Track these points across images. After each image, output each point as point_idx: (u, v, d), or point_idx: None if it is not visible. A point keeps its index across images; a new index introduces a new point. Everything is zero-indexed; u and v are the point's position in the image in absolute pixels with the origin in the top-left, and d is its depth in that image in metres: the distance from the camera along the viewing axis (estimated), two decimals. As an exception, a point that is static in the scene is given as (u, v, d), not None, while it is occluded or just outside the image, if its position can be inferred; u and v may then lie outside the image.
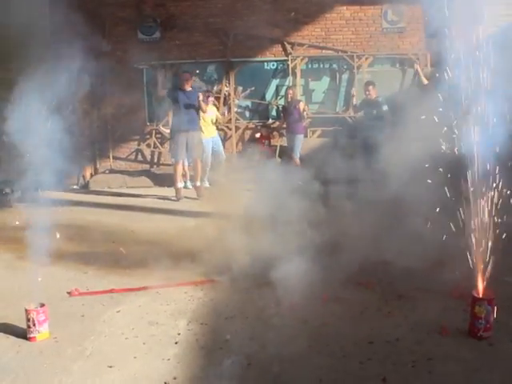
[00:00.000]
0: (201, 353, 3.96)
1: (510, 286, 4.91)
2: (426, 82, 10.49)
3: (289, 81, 12.35)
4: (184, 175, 10.58)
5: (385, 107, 10.23)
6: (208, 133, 10.78)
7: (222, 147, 11.21)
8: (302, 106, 11.12)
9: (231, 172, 9.88)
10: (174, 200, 9.68)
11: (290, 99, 11.23)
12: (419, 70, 11.02)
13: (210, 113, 10.85)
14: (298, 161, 10.75)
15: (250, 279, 5.09)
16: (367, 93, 10.45)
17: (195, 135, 9.71)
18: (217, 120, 11.16)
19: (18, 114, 4.71)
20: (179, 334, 4.26)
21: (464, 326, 4.13)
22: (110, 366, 3.79)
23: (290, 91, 11.34)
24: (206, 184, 10.88)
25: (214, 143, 10.94)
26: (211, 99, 11.14)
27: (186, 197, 9.80)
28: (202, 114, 10.49)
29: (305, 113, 11.20)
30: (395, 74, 12.10)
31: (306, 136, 11.63)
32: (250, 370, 3.66)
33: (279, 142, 12.16)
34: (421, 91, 10.08)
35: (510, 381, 3.53)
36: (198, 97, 9.55)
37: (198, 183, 9.88)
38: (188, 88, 9.69)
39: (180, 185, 9.82)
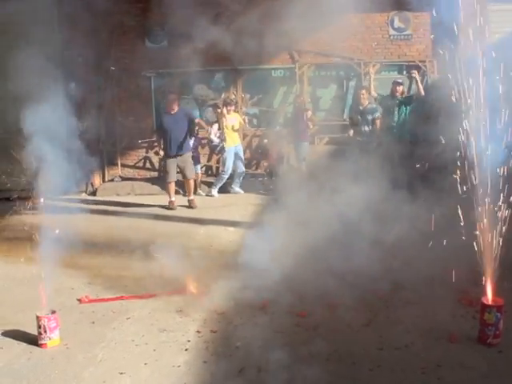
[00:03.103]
0: (211, 360, 3.98)
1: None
2: (422, 92, 10.23)
3: (296, 88, 12.37)
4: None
5: (377, 114, 10.27)
6: (231, 141, 10.83)
7: (243, 157, 11.20)
8: (309, 114, 11.17)
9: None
10: (170, 209, 9.71)
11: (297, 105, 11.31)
12: (417, 77, 10.51)
13: (233, 120, 10.89)
14: (303, 168, 10.79)
15: (259, 287, 5.08)
16: (362, 96, 10.48)
17: (185, 158, 9.74)
18: (240, 125, 11.18)
19: (28, 122, 4.78)
20: (189, 341, 4.28)
21: (473, 332, 4.14)
22: (121, 373, 3.82)
23: (299, 99, 11.41)
24: (215, 193, 10.87)
25: (238, 151, 10.99)
26: (231, 108, 11.15)
27: (180, 205, 9.83)
28: (224, 121, 10.58)
29: (309, 122, 11.21)
30: (402, 81, 12.10)
31: (311, 143, 11.68)
32: (261, 376, 3.67)
33: (287, 149, 12.16)
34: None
35: (519, 388, 3.54)
36: (194, 120, 9.78)
37: (192, 197, 9.91)
38: (175, 110, 9.66)
39: (173, 198, 9.85)
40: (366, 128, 10.20)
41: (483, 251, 4.10)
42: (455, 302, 4.79)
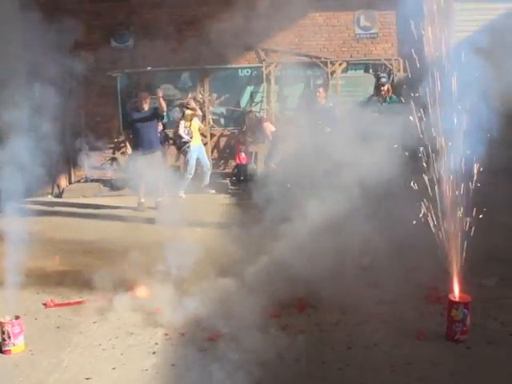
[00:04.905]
0: (179, 363, 3.93)
1: (485, 288, 4.96)
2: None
3: (263, 87, 12.38)
4: None
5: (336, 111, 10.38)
6: (196, 140, 10.84)
7: (206, 156, 11.18)
8: (267, 126, 11.34)
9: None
10: (137, 210, 9.56)
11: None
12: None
13: (196, 121, 10.96)
14: (273, 166, 10.78)
15: (228, 288, 5.04)
16: (318, 94, 10.59)
17: (155, 156, 9.59)
18: (199, 128, 11.24)
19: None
20: (157, 344, 4.23)
21: (441, 329, 4.16)
22: (88, 378, 3.74)
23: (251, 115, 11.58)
24: (182, 194, 10.77)
25: (200, 150, 10.97)
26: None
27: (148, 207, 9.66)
28: (194, 120, 10.64)
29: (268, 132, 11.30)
30: (369, 79, 12.18)
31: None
32: (230, 378, 3.63)
33: (255, 148, 12.17)
34: None
35: (487, 383, 3.56)
36: (158, 93, 9.77)
37: (160, 198, 9.77)
38: (145, 108, 9.68)
39: (143, 199, 9.70)
40: None
41: (450, 248, 4.13)
42: (423, 299, 4.82)
